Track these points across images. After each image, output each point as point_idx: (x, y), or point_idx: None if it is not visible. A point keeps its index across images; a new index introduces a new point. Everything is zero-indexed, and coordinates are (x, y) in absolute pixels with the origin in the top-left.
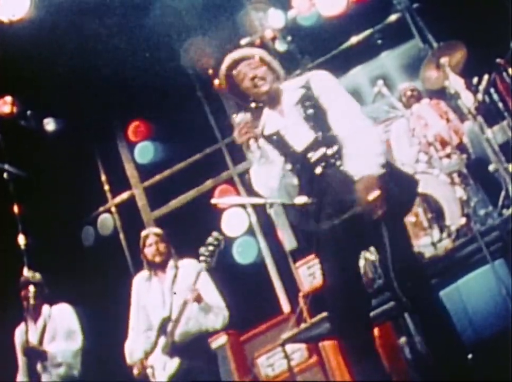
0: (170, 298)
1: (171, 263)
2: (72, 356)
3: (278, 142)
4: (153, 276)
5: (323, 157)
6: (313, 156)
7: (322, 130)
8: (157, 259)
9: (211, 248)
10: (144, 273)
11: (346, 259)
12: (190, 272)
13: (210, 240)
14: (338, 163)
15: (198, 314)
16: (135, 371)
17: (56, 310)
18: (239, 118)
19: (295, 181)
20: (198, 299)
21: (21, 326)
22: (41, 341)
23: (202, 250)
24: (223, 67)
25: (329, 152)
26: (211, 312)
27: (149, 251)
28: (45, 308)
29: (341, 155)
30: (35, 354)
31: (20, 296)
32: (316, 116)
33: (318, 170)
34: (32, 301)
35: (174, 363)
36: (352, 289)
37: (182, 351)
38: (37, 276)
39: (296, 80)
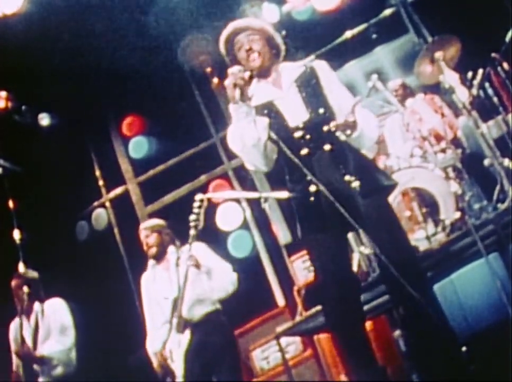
0: (176, 280)
1: (171, 248)
2: (66, 355)
3: (269, 113)
4: (157, 266)
5: (314, 138)
6: (304, 135)
7: (317, 112)
8: (150, 252)
9: (196, 210)
10: (148, 267)
11: (337, 250)
12: (193, 252)
13: (194, 205)
14: (327, 147)
15: (202, 281)
16: (154, 363)
17: (48, 306)
18: (236, 68)
19: (272, 150)
20: (196, 264)
21: (16, 321)
22: (35, 339)
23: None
24: (225, 32)
25: (322, 133)
26: (215, 274)
27: (144, 246)
28: (37, 304)
29: (331, 138)
30: (31, 360)
31: (13, 292)
32: (313, 97)
33: (305, 151)
34: (25, 298)
35: (186, 337)
36: (345, 282)
37: (194, 326)
38: (32, 273)
39: (297, 62)
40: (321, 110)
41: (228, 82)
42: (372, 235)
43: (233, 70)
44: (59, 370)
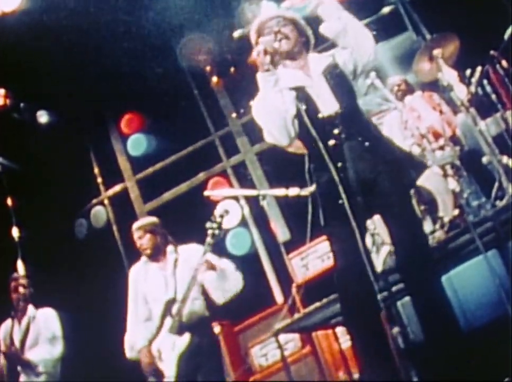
0: (173, 281)
1: (170, 248)
2: (53, 365)
3: (301, 98)
4: (151, 263)
5: (346, 128)
6: (337, 125)
7: (347, 102)
8: (146, 253)
9: (219, 219)
10: (140, 262)
11: (359, 239)
12: (192, 254)
13: (216, 213)
14: (359, 138)
15: (218, 282)
16: (144, 361)
17: (41, 314)
18: (267, 37)
19: (296, 126)
20: (212, 267)
21: (7, 322)
22: (23, 342)
23: (208, 224)
24: (256, 21)
25: (355, 125)
26: (229, 275)
27: (138, 247)
28: (30, 309)
29: (364, 130)
30: (18, 362)
31: (9, 293)
32: (341, 87)
33: (336, 140)
34: (20, 301)
35: (183, 340)
36: (364, 272)
37: (190, 328)
38: (25, 278)
39: (324, 53)
40: (351, 101)
41: (258, 49)
42: (394, 227)
43: (265, 39)
44: (42, 378)
